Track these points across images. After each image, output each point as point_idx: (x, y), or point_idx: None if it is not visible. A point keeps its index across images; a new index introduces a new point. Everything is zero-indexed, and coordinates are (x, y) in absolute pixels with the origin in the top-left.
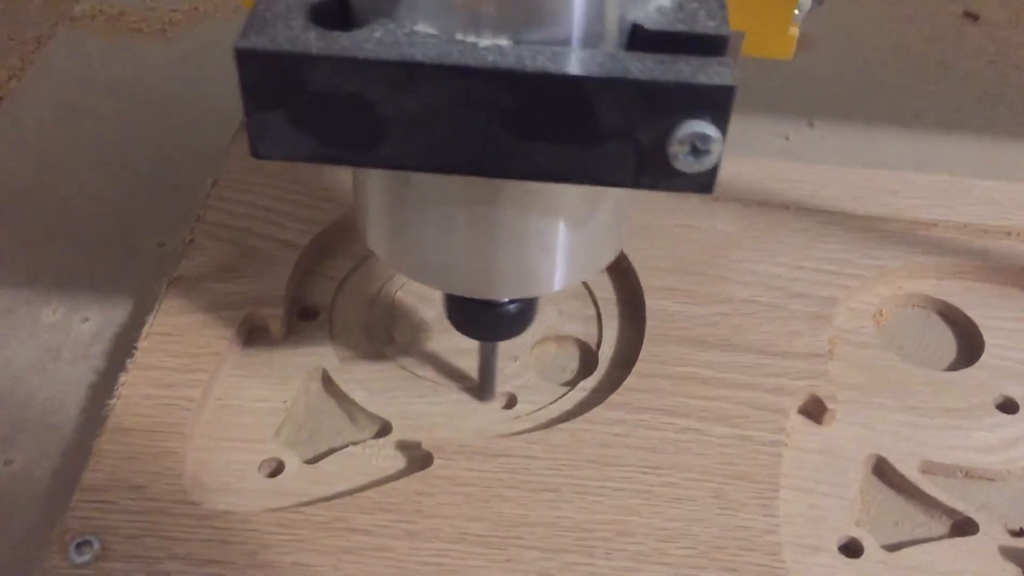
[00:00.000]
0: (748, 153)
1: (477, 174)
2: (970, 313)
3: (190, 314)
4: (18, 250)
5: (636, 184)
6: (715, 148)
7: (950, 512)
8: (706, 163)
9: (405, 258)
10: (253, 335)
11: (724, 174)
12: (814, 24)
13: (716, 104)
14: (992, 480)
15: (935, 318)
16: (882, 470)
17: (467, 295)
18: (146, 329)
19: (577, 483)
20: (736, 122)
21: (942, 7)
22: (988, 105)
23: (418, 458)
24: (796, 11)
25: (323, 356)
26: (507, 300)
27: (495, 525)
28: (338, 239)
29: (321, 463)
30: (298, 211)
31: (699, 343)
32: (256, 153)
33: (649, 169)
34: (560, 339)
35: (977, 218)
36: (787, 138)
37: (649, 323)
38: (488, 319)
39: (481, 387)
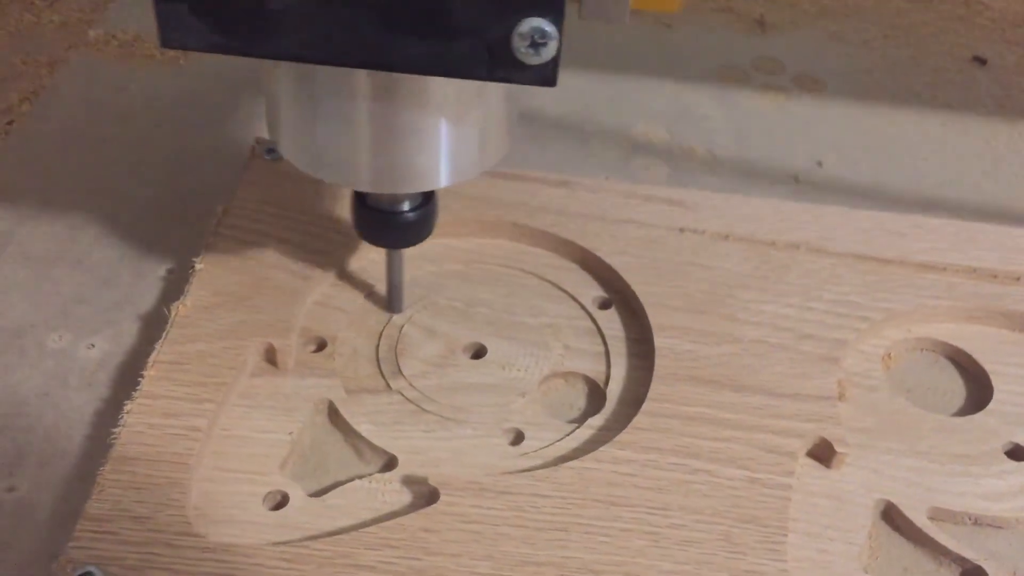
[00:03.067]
0: (758, 193)
1: (351, 66)
2: (979, 358)
3: (197, 343)
4: (25, 274)
5: (489, 76)
6: (552, 43)
7: (959, 560)
8: (544, 55)
9: (305, 153)
10: (260, 365)
11: (734, 213)
12: (823, 66)
13: (551, 2)
14: (1001, 528)
15: (944, 362)
16: (891, 516)
17: (360, 189)
18: (153, 357)
19: (584, 523)
20: (746, 162)
21: (950, 51)
22: (995, 149)
23: (424, 494)
24: None
25: (330, 388)
26: (407, 208)
27: (501, 564)
28: (347, 270)
29: (326, 496)
30: (308, 241)
31: (708, 383)
32: (163, 41)
33: (498, 62)
34: (568, 376)
35: (986, 263)
36: (796, 179)
37: (658, 362)
38: (389, 225)
39: (388, 298)
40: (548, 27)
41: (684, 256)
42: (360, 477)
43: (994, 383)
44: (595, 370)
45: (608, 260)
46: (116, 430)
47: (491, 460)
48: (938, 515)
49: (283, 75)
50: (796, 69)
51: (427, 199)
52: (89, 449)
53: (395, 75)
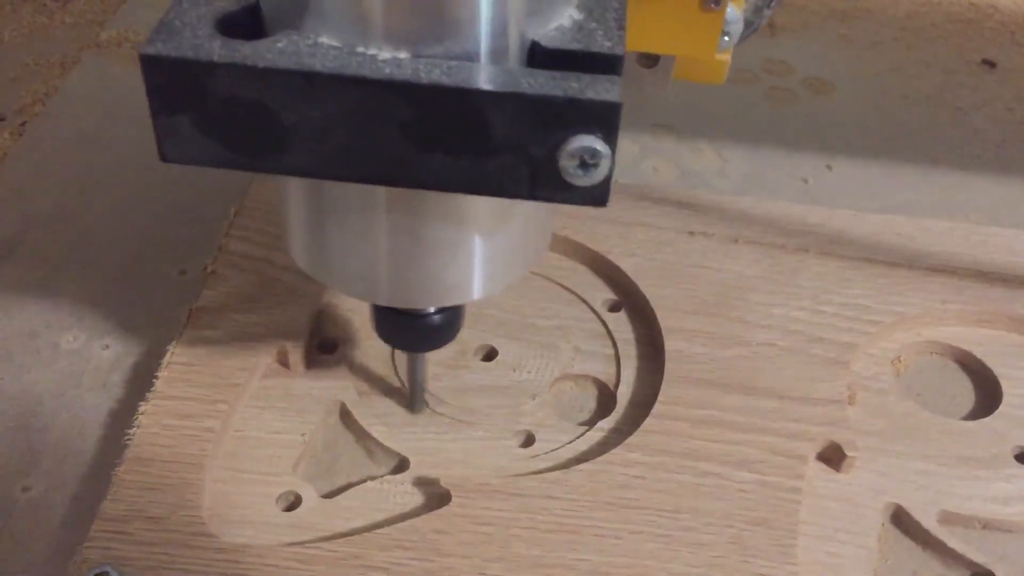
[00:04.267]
0: (767, 195)
1: (377, 183)
2: (989, 362)
3: (210, 344)
4: (39, 276)
5: (531, 196)
6: (604, 162)
7: (969, 564)
8: (595, 177)
9: (324, 268)
10: (273, 367)
11: (744, 216)
12: (833, 69)
13: (603, 119)
14: (1010, 532)
15: (953, 366)
16: (900, 519)
17: (384, 304)
18: (167, 359)
19: (595, 525)
20: (755, 164)
21: (960, 54)
22: (1005, 152)
23: (436, 495)
24: (725, 37)
25: (342, 389)
26: (431, 311)
27: (513, 566)
28: None
29: (338, 498)
30: None
31: (718, 386)
32: (163, 156)
33: (542, 181)
34: (578, 378)
35: (997, 266)
36: (806, 181)
37: (668, 364)
38: (412, 330)
39: (410, 398)
40: (600, 146)
41: (694, 259)
42: (372, 478)
43: (1003, 387)
44: (605, 372)
45: (618, 262)
46: (130, 431)
47: (502, 462)
48: (947, 519)
49: (293, 182)
50: (805, 71)
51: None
52: (103, 449)
53: (406, 191)
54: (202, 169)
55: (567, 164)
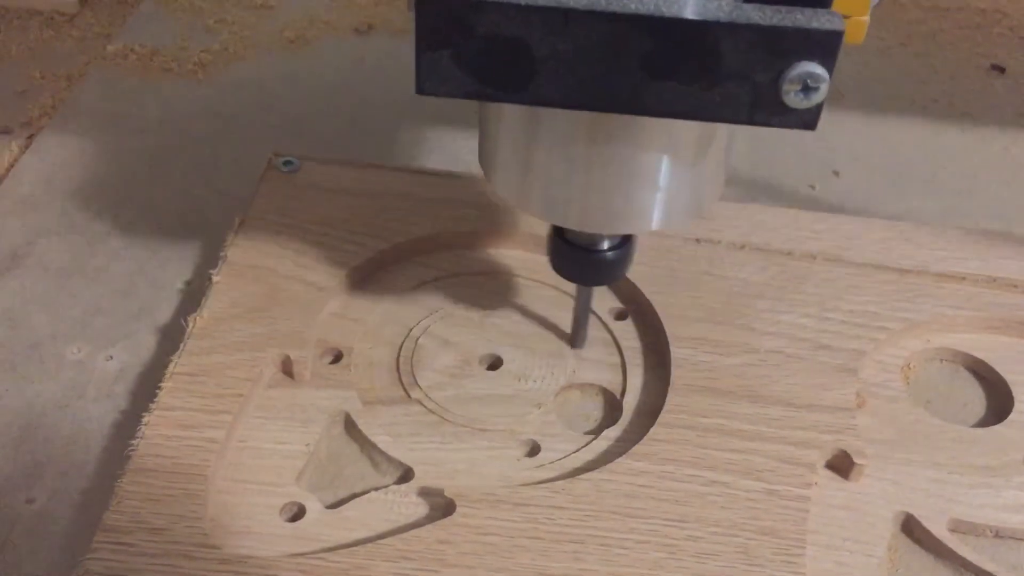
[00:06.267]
0: (775, 202)
1: (612, 111)
2: (999, 368)
3: (214, 355)
4: (45, 287)
5: (750, 120)
6: (823, 86)
7: (980, 572)
8: (814, 99)
9: (520, 191)
10: (277, 377)
11: (750, 223)
12: (840, 74)
13: (827, 47)
14: (1022, 540)
15: (963, 373)
16: (910, 528)
17: (572, 227)
18: (170, 369)
19: (601, 535)
20: (763, 172)
21: (968, 59)
22: (1014, 157)
23: (440, 505)
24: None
25: (346, 400)
26: (606, 247)
27: None
28: (364, 282)
29: (342, 508)
30: (323, 253)
31: (725, 394)
32: (421, 89)
33: (762, 106)
34: (584, 387)
35: (1006, 272)
36: (813, 187)
37: (674, 372)
38: (586, 263)
39: (573, 333)
40: (820, 71)
41: (700, 266)
42: (376, 489)
43: (1015, 394)
44: (611, 381)
45: None
46: (134, 442)
47: (507, 472)
48: (958, 527)
49: (505, 112)
50: None
51: (625, 239)
52: (107, 460)
53: (619, 118)
54: (206, 179)
55: (789, 88)
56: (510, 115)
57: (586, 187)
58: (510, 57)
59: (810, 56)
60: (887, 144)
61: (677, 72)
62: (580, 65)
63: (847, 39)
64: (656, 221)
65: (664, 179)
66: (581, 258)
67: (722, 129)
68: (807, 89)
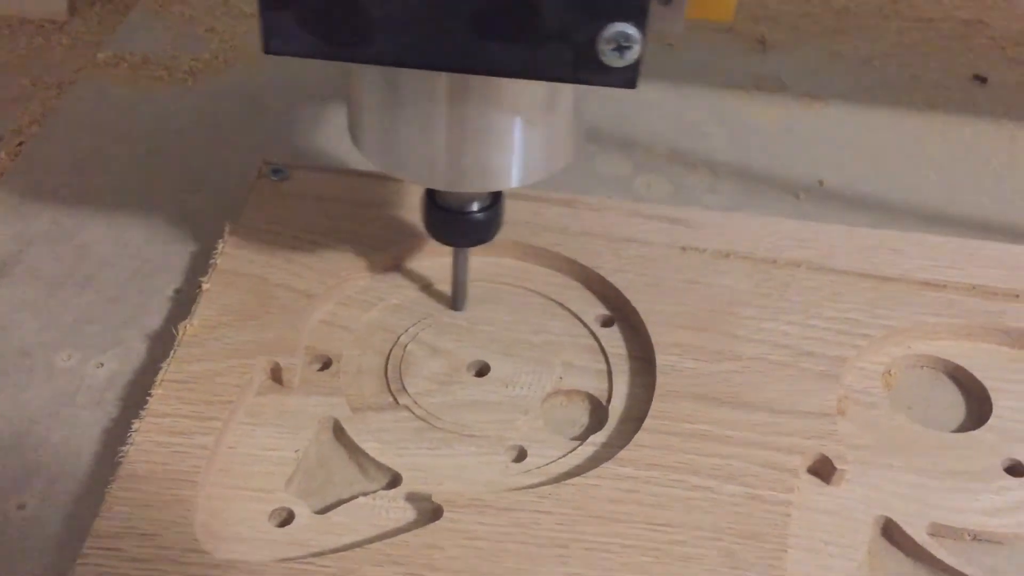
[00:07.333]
0: (759, 211)
1: (448, 70)
2: (979, 375)
3: (204, 362)
4: (35, 294)
5: (574, 78)
6: (636, 47)
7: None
8: (628, 58)
9: (385, 154)
10: (266, 384)
11: (735, 232)
12: (824, 85)
13: (636, 8)
14: (1000, 544)
15: (944, 379)
16: (890, 532)
17: (436, 187)
18: (160, 376)
19: (586, 539)
20: (748, 181)
21: (951, 69)
22: (995, 167)
23: (428, 510)
24: None
25: (335, 406)
26: (476, 209)
27: None
28: (352, 289)
29: (331, 513)
30: (313, 261)
31: (709, 400)
32: (267, 48)
33: (584, 65)
34: (570, 393)
35: (986, 280)
36: (797, 196)
37: (659, 379)
38: (457, 224)
39: (453, 296)
40: (632, 31)
41: (685, 274)
42: (365, 494)
43: (993, 400)
44: (597, 387)
45: (610, 278)
46: (124, 448)
47: (494, 477)
48: (937, 531)
49: (366, 79)
50: (797, 88)
51: (495, 200)
52: (97, 467)
53: (473, 79)
54: (197, 187)
55: (604, 48)
56: (368, 79)
57: (444, 147)
58: (349, 17)
59: (622, 17)
60: (871, 153)
61: (503, 31)
62: (413, 24)
63: (717, 17)
64: (515, 179)
65: (517, 137)
66: (452, 220)
67: (567, 88)
68: (621, 48)
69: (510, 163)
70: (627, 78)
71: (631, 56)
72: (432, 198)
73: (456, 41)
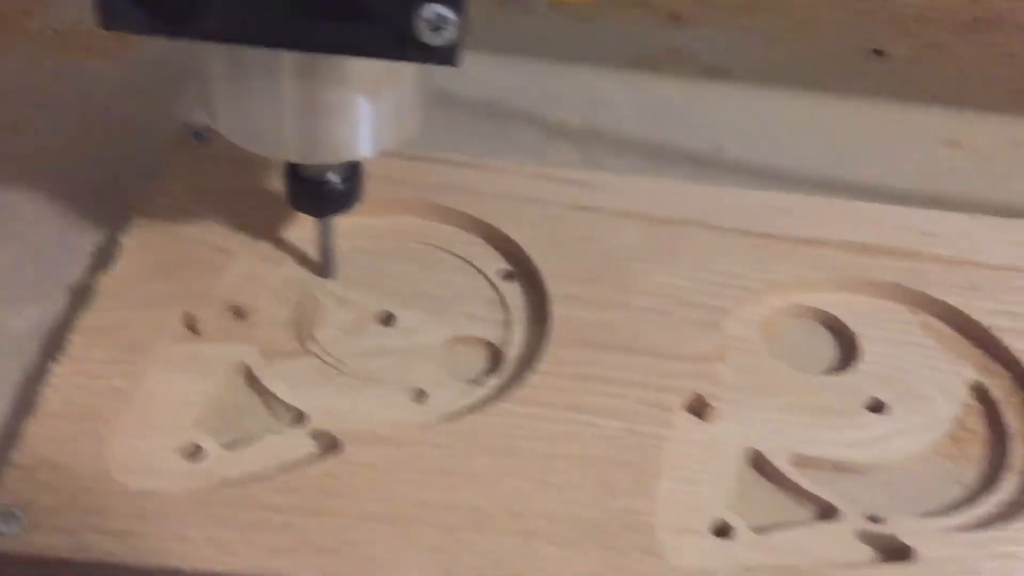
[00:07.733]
0: (657, 174)
1: (275, 47)
2: (849, 323)
3: (121, 311)
4: None
5: (399, 57)
6: (451, 27)
7: (818, 501)
8: (445, 38)
9: (238, 129)
10: (181, 332)
11: (634, 193)
12: (732, 58)
13: None
14: (858, 473)
15: (818, 327)
16: (758, 463)
17: (289, 159)
18: (78, 324)
19: (475, 470)
20: (652, 147)
21: (852, 43)
22: (883, 135)
23: (330, 446)
24: None
25: (247, 354)
26: (335, 179)
27: (397, 505)
28: (268, 246)
29: (238, 449)
30: (230, 219)
31: (598, 346)
32: (103, 24)
33: (405, 44)
34: (471, 340)
35: (860, 237)
36: (697, 162)
37: (554, 327)
38: (317, 195)
39: (322, 264)
40: (447, 12)
41: (584, 231)
42: (271, 432)
43: (861, 345)
44: (497, 336)
45: (512, 235)
46: (41, 388)
47: (396, 417)
48: (800, 462)
49: (215, 56)
50: (707, 61)
51: (353, 171)
52: (18, 412)
53: (316, 55)
54: (122, 154)
55: (422, 28)
56: (213, 53)
57: (291, 120)
58: None
59: None
60: (768, 122)
61: (325, 10)
62: (240, 2)
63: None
64: (365, 149)
65: (364, 109)
66: (312, 191)
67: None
68: (438, 28)
69: (356, 134)
70: (447, 57)
71: (448, 36)
72: (293, 170)
73: (282, 20)
